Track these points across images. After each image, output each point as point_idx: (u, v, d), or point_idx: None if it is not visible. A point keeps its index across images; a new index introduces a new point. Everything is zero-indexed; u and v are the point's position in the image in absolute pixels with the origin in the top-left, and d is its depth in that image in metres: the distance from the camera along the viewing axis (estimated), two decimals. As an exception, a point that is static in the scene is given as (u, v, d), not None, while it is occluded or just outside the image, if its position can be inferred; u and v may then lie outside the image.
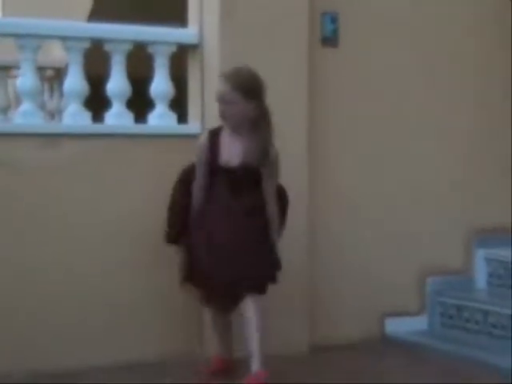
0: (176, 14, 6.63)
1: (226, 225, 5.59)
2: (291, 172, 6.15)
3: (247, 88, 5.58)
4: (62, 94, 7.43)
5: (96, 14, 8.89)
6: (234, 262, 5.47)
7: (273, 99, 6.20)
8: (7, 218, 5.71)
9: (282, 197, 5.81)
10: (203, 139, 5.75)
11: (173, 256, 5.72)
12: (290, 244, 6.15)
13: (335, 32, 6.78)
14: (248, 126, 5.61)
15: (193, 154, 6.21)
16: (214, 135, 5.72)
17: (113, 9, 8.28)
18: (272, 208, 5.68)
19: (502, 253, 7.02)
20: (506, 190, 7.32)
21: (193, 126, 6.52)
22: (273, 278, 5.60)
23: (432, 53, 7.15)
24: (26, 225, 5.84)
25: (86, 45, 6.28)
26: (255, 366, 5.45)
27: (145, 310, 6.18)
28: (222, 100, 5.62)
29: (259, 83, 5.64)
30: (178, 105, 6.57)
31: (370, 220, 6.82)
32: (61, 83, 7.46)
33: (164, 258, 5.94)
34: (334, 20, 6.75)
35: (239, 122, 5.61)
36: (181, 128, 6.49)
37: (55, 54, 7.84)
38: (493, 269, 7.07)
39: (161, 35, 6.49)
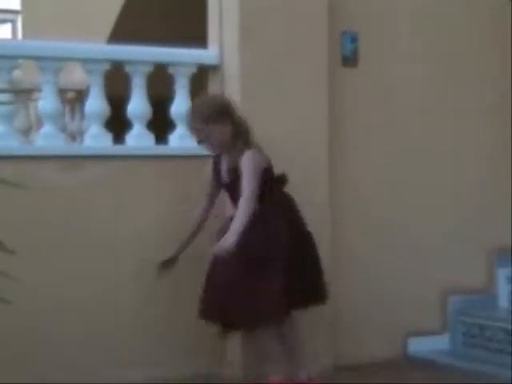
0: (196, 34, 6.60)
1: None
2: (313, 186, 6.30)
3: (208, 114, 5.66)
4: (83, 116, 7.45)
5: (116, 36, 8.87)
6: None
7: (293, 117, 6.30)
8: (31, 237, 5.69)
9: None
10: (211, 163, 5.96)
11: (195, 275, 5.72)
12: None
13: (355, 52, 6.76)
14: (229, 144, 5.72)
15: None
16: (217, 157, 5.90)
17: (133, 30, 8.26)
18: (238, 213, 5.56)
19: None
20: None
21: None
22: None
23: (452, 68, 7.16)
24: (49, 245, 5.83)
25: (107, 67, 6.28)
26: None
27: (168, 327, 6.15)
28: (195, 133, 5.88)
29: (219, 105, 5.74)
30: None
31: (391, 237, 6.79)
32: (82, 105, 7.45)
33: (186, 276, 5.91)
34: (353, 40, 6.74)
35: (219, 144, 5.76)
36: (201, 149, 6.42)
37: (76, 76, 7.84)
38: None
39: (181, 56, 6.49)
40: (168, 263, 5.88)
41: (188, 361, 6.10)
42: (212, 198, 5.97)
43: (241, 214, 5.48)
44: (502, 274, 7.08)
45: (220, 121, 5.64)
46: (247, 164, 5.58)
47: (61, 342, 5.88)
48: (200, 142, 5.86)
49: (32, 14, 11.97)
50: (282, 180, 5.75)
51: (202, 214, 5.94)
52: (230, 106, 5.74)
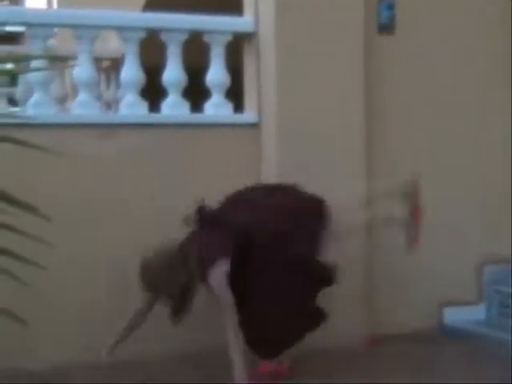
0: (231, 3, 6.57)
1: None
2: (349, 149, 6.30)
3: None
4: (118, 85, 7.45)
5: (151, 4, 8.86)
6: None
7: (329, 87, 6.23)
8: (67, 205, 5.69)
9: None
10: None
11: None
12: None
13: (392, 19, 6.69)
14: None
15: (248, 143, 6.23)
16: None
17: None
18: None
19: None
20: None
21: (249, 115, 6.49)
22: None
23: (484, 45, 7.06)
24: (84, 211, 5.83)
25: (142, 35, 6.27)
26: None
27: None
28: None
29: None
30: (234, 94, 6.52)
31: (428, 213, 6.72)
32: (117, 73, 7.45)
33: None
34: (390, 7, 6.68)
35: None
36: (237, 117, 6.46)
37: (111, 44, 7.84)
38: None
39: (216, 24, 6.46)
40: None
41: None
42: None
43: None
44: (539, 243, 7.01)
45: None
46: None
47: (93, 308, 5.92)
48: None
49: (67, -17, 11.99)
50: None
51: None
52: None
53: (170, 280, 5.03)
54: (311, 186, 5.68)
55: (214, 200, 5.88)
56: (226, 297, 5.08)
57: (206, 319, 5.41)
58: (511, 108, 7.10)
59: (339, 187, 6.11)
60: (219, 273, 5.04)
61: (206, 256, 5.08)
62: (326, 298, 5.99)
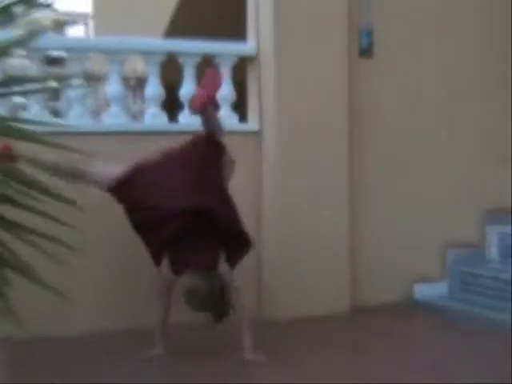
0: (237, 30, 6.51)
1: None
2: (333, 152, 6.28)
3: None
4: (143, 99, 7.41)
5: (170, 32, 8.82)
6: None
7: (318, 101, 6.21)
8: (99, 197, 5.58)
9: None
10: None
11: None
12: (333, 217, 6.29)
13: (370, 45, 6.62)
14: None
15: (251, 148, 6.17)
16: None
17: (184, 27, 8.20)
18: None
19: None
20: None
21: (252, 124, 6.41)
22: None
23: (450, 60, 6.96)
24: (108, 201, 5.66)
25: (163, 58, 6.22)
26: None
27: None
28: None
29: None
30: (239, 107, 6.46)
31: (405, 207, 6.73)
32: (142, 90, 7.39)
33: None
34: (369, 35, 6.61)
35: None
36: (242, 126, 6.43)
37: (137, 66, 7.79)
38: (503, 242, 6.85)
39: (225, 49, 6.39)
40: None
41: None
42: None
43: None
44: (492, 230, 6.92)
45: None
46: None
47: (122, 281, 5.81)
48: None
49: (101, 17, 11.98)
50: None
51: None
52: None
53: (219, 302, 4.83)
54: (304, 179, 6.16)
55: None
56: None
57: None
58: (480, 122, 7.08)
59: (326, 182, 6.26)
60: None
61: None
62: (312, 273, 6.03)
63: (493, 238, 6.92)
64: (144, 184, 4.99)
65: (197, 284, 4.75)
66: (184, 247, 4.85)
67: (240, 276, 4.97)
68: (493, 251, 6.91)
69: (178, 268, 4.87)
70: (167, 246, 4.91)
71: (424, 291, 6.76)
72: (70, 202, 3.42)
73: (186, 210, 4.83)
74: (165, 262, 4.93)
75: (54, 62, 9.04)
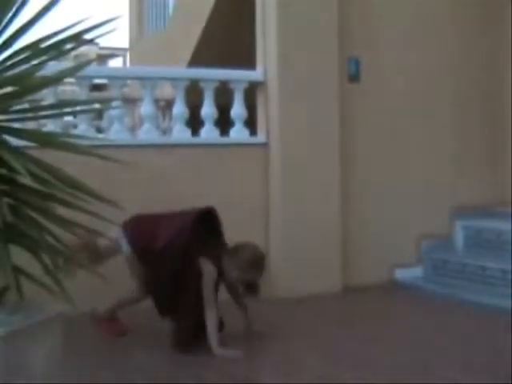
0: (247, 59, 6.51)
1: None
2: (326, 165, 6.13)
3: None
4: (170, 118, 7.40)
5: (193, 62, 8.82)
6: None
7: (314, 118, 6.23)
8: (137, 199, 5.58)
9: None
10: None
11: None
12: (327, 214, 6.27)
13: (358, 71, 6.59)
14: None
15: (260, 156, 6.17)
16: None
17: (205, 58, 8.21)
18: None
19: (475, 223, 6.80)
20: (477, 177, 7.13)
21: (260, 137, 6.37)
22: None
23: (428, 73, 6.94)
24: (144, 200, 5.68)
25: (187, 83, 6.19)
26: None
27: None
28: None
29: None
30: (250, 124, 6.44)
31: (387, 204, 6.70)
32: (170, 110, 7.39)
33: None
34: (357, 63, 6.58)
35: None
36: (252, 139, 6.39)
37: (166, 90, 7.79)
38: (468, 234, 6.84)
39: (237, 75, 6.36)
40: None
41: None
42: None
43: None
44: (458, 224, 6.90)
45: None
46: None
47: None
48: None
49: (136, 50, 11.98)
50: None
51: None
52: None
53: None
54: (303, 181, 6.20)
55: (236, 196, 5.87)
56: None
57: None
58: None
59: (320, 184, 6.29)
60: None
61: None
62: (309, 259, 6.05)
63: (459, 230, 6.91)
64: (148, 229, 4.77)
65: None
66: None
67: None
68: (459, 241, 6.91)
69: None
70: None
71: (403, 274, 6.72)
72: (113, 203, 3.42)
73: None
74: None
75: (97, 87, 9.07)
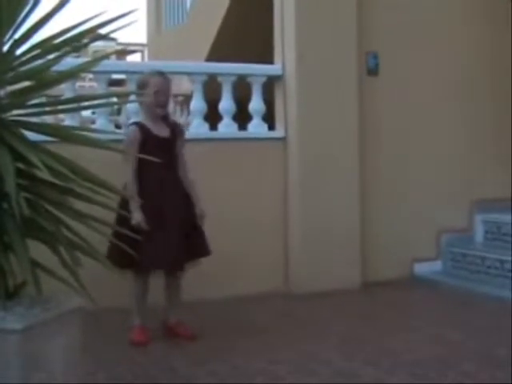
0: (266, 55, 6.49)
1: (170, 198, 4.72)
2: (345, 156, 6.20)
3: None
4: (188, 113, 7.41)
5: (211, 56, 8.83)
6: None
7: (333, 112, 6.21)
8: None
9: None
10: (133, 128, 4.75)
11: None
12: (346, 208, 6.26)
13: (376, 65, 6.56)
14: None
15: (278, 150, 6.15)
16: (140, 124, 4.79)
17: (223, 52, 8.19)
18: (189, 177, 4.91)
19: (495, 216, 6.74)
20: (497, 171, 7.02)
21: (279, 132, 6.34)
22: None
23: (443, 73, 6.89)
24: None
25: (205, 78, 6.18)
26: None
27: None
28: (165, 91, 4.80)
29: None
30: (268, 118, 6.42)
31: (407, 199, 6.66)
32: (188, 105, 7.39)
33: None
34: (375, 57, 6.55)
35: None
36: (270, 133, 6.36)
37: (184, 84, 7.79)
38: (488, 228, 6.79)
39: (256, 70, 6.34)
40: None
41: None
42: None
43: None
44: (478, 218, 6.85)
45: None
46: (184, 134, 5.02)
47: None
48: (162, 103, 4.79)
49: (154, 45, 12.01)
50: None
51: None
52: None
53: None
54: (321, 175, 6.18)
55: (254, 190, 5.86)
56: None
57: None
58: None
59: (340, 177, 6.29)
60: None
61: None
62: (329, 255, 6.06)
63: (479, 224, 6.86)
64: None
65: None
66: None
67: None
68: (478, 235, 6.86)
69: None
70: None
71: (422, 269, 6.68)
72: (130, 197, 3.42)
73: None
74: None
75: (116, 83, 9.09)
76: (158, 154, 4.37)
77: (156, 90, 4.72)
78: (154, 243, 4.48)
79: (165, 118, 4.87)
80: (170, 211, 4.64)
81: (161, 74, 4.85)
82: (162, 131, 4.78)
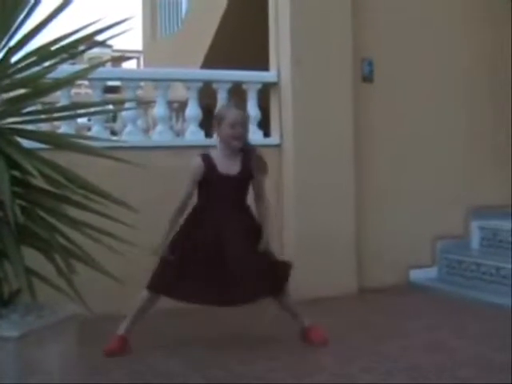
0: (261, 61, 6.50)
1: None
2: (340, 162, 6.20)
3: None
4: (184, 119, 7.41)
5: (206, 63, 8.84)
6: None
7: (328, 119, 6.22)
8: (148, 199, 5.55)
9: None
10: (197, 161, 4.69)
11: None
12: (342, 215, 6.26)
13: (371, 72, 6.58)
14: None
15: (274, 157, 6.17)
16: (207, 157, 4.71)
17: (217, 59, 8.21)
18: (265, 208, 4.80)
19: (491, 223, 6.75)
20: (495, 177, 7.03)
21: (274, 138, 6.36)
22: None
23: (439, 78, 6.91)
24: (159, 204, 5.69)
25: (200, 85, 6.19)
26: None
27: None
28: (243, 124, 4.70)
29: None
30: (263, 125, 6.43)
31: (402, 205, 6.66)
32: (183, 111, 7.40)
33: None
34: (370, 64, 6.56)
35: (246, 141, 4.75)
36: (266, 140, 6.36)
37: (179, 91, 7.80)
38: (484, 235, 6.80)
39: (251, 77, 6.36)
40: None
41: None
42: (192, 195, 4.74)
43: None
44: (474, 225, 6.87)
45: None
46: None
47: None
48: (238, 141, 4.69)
49: (150, 53, 12.03)
50: None
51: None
52: None
53: None
54: (316, 181, 6.17)
55: (249, 197, 5.85)
56: None
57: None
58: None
59: (335, 183, 6.27)
60: None
61: None
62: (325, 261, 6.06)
63: (475, 231, 6.87)
64: None
65: None
66: None
67: None
68: (474, 242, 6.86)
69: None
70: None
71: (417, 275, 6.68)
72: (125, 204, 3.43)
73: None
74: None
75: (111, 90, 9.11)
76: (222, 192, 4.52)
77: (233, 122, 4.64)
78: (188, 277, 4.54)
79: (243, 152, 4.73)
80: (221, 250, 4.56)
81: (238, 106, 4.82)
82: (232, 168, 4.66)
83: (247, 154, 4.73)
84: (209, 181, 4.64)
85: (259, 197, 4.80)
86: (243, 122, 4.71)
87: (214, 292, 4.52)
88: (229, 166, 4.66)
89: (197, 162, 4.68)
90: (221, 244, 4.55)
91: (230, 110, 4.72)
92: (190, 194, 4.67)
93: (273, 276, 4.70)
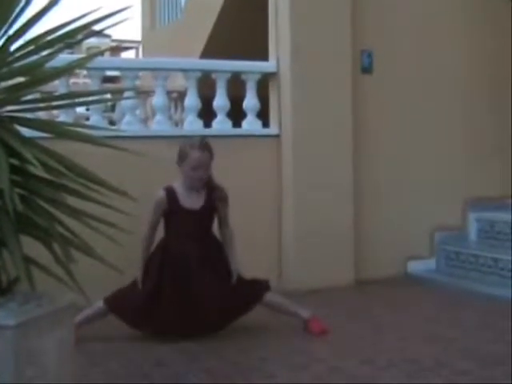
0: (260, 51, 6.49)
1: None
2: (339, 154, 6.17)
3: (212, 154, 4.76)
4: (182, 109, 7.40)
5: (206, 53, 8.83)
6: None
7: (327, 109, 6.22)
8: (146, 190, 5.55)
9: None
10: (160, 195, 4.71)
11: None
12: (340, 206, 6.26)
13: (370, 64, 6.59)
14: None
15: (272, 147, 6.16)
16: (171, 191, 4.73)
17: (217, 49, 8.20)
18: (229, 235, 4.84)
19: (489, 215, 6.76)
20: (490, 169, 7.07)
21: (273, 129, 6.36)
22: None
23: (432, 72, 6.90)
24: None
25: (199, 75, 6.18)
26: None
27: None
28: (205, 166, 4.68)
29: None
30: (262, 115, 6.43)
31: (401, 197, 6.69)
32: (182, 101, 7.39)
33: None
34: (369, 56, 6.57)
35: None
36: (264, 131, 6.37)
37: (178, 81, 7.79)
38: (481, 226, 6.81)
39: (250, 67, 6.35)
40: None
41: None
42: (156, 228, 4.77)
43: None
44: (472, 216, 6.87)
45: None
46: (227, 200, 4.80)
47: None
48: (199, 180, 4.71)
49: (148, 42, 12.01)
50: None
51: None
52: None
53: None
54: (315, 172, 6.19)
55: (248, 187, 5.87)
56: None
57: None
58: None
59: (333, 175, 6.28)
60: None
61: None
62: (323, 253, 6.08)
63: (472, 222, 6.88)
64: None
65: None
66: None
67: None
68: (472, 234, 6.88)
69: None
70: None
71: (415, 266, 6.70)
72: (124, 193, 3.43)
73: None
74: None
75: (110, 80, 9.08)
76: (185, 225, 4.55)
77: (194, 165, 4.64)
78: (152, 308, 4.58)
79: (206, 185, 4.74)
80: (187, 281, 4.60)
81: (202, 147, 4.70)
82: (195, 202, 4.69)
83: (210, 187, 4.76)
84: (172, 213, 4.68)
85: (224, 224, 4.83)
86: (206, 165, 4.68)
87: (175, 321, 4.57)
88: (192, 200, 4.70)
89: (159, 195, 4.71)
90: (187, 276, 4.59)
91: (194, 152, 4.67)
92: (154, 223, 4.71)
93: (241, 297, 4.72)
